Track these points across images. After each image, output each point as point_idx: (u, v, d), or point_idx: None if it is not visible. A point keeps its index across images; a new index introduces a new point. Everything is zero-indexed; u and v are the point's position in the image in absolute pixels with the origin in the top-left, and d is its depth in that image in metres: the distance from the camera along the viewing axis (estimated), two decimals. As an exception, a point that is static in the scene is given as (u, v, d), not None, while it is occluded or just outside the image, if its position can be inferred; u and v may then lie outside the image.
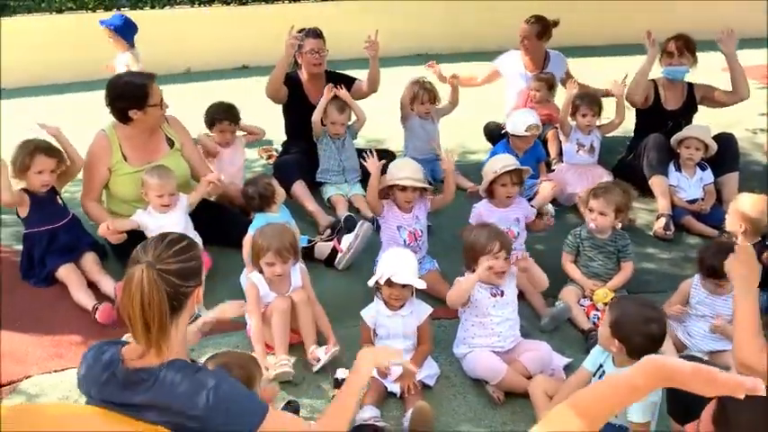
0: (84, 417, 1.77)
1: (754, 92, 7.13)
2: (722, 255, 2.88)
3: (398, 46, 8.79)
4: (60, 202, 3.71)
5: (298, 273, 3.13)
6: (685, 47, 4.54)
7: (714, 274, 2.93)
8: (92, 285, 3.50)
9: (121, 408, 1.73)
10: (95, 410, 1.77)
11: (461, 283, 2.94)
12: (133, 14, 8.18)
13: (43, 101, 7.07)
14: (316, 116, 4.42)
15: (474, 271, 2.92)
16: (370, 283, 2.95)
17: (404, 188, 3.47)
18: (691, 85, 4.75)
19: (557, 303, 3.38)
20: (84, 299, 3.38)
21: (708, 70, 7.73)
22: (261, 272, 3.01)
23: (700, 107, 4.80)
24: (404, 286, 2.87)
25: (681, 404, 2.19)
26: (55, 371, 2.98)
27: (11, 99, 7.05)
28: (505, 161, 3.61)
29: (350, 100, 4.48)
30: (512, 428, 2.67)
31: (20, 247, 3.72)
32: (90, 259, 3.60)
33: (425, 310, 2.97)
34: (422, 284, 2.88)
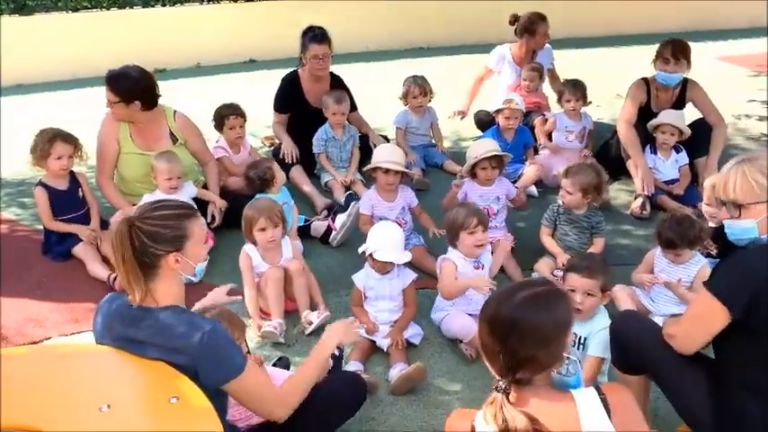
0: (93, 352, 2.08)
1: (743, 79, 7.39)
2: (677, 227, 3.17)
3: (398, 39, 9.08)
4: (80, 194, 3.96)
5: (289, 245, 3.42)
6: (681, 53, 4.48)
7: (671, 245, 3.18)
8: (105, 260, 3.80)
9: (128, 344, 2.00)
10: (104, 347, 2.06)
11: (458, 283, 3.16)
12: (144, 12, 8.57)
13: (60, 95, 7.42)
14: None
15: (456, 246, 3.21)
16: (360, 250, 3.24)
17: (386, 171, 3.74)
18: (685, 84, 4.68)
19: (532, 275, 3.64)
20: (100, 271, 3.69)
21: (704, 58, 8.00)
22: (254, 243, 3.31)
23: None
24: (386, 263, 3.16)
25: (625, 354, 2.44)
26: (72, 333, 3.31)
27: (29, 95, 7.41)
28: (487, 146, 3.88)
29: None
30: (482, 381, 2.95)
31: (39, 227, 4.07)
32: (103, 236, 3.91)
33: (410, 275, 3.26)
34: (403, 259, 3.17)
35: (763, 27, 9.50)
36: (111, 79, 3.93)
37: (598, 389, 1.67)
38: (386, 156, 3.79)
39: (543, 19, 5.39)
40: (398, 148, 3.98)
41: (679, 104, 4.68)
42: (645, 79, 4.72)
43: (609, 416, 1.62)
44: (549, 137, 4.93)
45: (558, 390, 1.73)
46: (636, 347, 2.38)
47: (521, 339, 1.65)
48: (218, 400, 2.00)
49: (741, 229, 2.13)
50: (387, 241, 3.12)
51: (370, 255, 3.13)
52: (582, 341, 2.73)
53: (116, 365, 2.01)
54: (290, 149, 4.74)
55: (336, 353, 2.87)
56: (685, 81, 4.66)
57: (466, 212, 3.21)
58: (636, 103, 4.67)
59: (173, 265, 2.03)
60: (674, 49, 4.47)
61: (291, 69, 5.01)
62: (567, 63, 6.38)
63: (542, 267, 3.65)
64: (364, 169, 3.97)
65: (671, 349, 2.22)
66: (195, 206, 2.54)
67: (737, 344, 2.09)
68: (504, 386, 1.66)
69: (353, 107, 4.96)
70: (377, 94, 5.89)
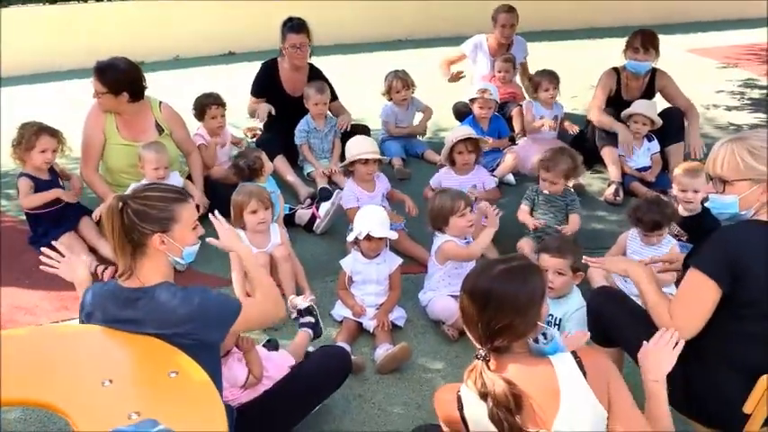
0: (91, 331, 2.15)
1: (712, 71, 7.63)
2: (656, 208, 3.32)
3: (378, 32, 9.18)
4: (62, 184, 3.99)
5: (277, 231, 3.52)
6: (650, 43, 4.68)
7: (657, 226, 3.32)
8: (92, 250, 3.86)
9: (123, 324, 2.09)
10: (98, 327, 2.14)
11: (475, 245, 3.30)
12: (123, 4, 8.55)
13: (38, 88, 7.38)
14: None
15: (444, 231, 3.34)
16: (350, 238, 3.35)
17: (366, 162, 3.85)
18: (654, 74, 4.89)
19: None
20: (87, 261, 3.74)
21: (674, 50, 8.19)
22: (243, 228, 3.40)
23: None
24: (380, 239, 3.27)
25: (599, 327, 2.57)
26: (62, 320, 3.36)
27: (6, 87, 7.36)
28: (463, 131, 4.00)
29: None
30: (463, 359, 3.08)
31: (24, 217, 4.08)
32: (87, 225, 3.94)
33: (396, 260, 3.38)
34: (394, 235, 3.32)
35: (731, 20, 9.81)
36: (100, 70, 3.97)
37: (574, 353, 1.80)
38: (360, 148, 3.91)
39: (507, 10, 5.51)
40: (368, 137, 4.10)
41: (649, 93, 4.87)
42: (615, 69, 4.92)
43: (585, 377, 1.75)
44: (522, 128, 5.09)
45: (537, 356, 1.86)
46: (610, 321, 2.51)
47: (497, 308, 1.78)
48: (215, 379, 2.10)
49: (723, 203, 2.23)
50: (376, 221, 3.24)
51: (365, 238, 3.23)
52: (557, 322, 2.87)
53: (115, 343, 2.09)
54: (265, 109, 4.82)
55: (311, 320, 3.01)
56: (654, 71, 4.85)
57: (452, 197, 3.32)
58: (606, 90, 4.88)
59: (158, 245, 2.12)
60: (644, 38, 4.68)
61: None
62: (543, 55, 6.52)
63: (524, 246, 3.79)
64: (341, 165, 4.09)
65: (643, 324, 2.31)
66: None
67: (718, 318, 2.16)
68: (483, 354, 1.79)
69: (334, 97, 5.05)
70: (356, 87, 5.99)
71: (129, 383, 1.94)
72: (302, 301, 3.34)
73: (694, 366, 2.22)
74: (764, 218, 2.16)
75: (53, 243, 3.74)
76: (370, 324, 3.25)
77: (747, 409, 2.09)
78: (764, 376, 2.04)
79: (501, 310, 1.77)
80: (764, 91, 6.77)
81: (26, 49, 7.83)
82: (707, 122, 5.93)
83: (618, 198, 4.51)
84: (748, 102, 6.48)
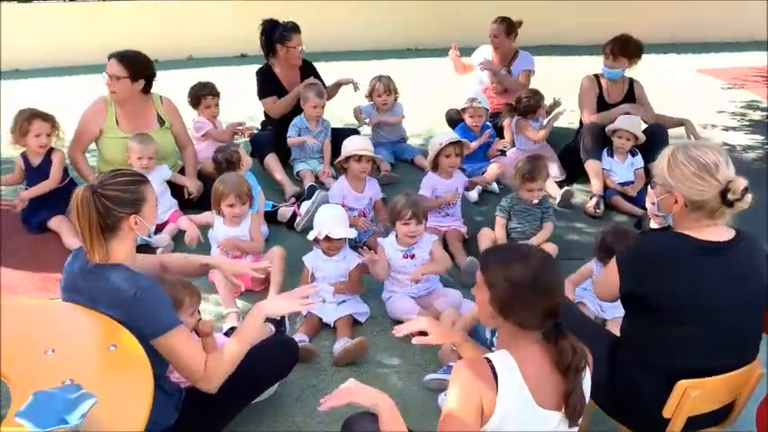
0: (55, 306, 2.29)
1: (717, 91, 7.61)
2: (615, 238, 3.32)
3: (389, 40, 9.31)
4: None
5: (248, 221, 3.65)
6: (619, 51, 4.85)
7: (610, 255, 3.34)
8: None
9: (79, 294, 2.21)
10: (65, 304, 2.28)
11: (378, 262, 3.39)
12: (140, 4, 8.78)
13: (54, 81, 7.64)
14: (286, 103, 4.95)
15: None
16: (310, 237, 3.45)
17: (359, 159, 3.96)
18: (632, 81, 5.07)
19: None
20: (75, 243, 3.90)
21: (684, 69, 8.22)
22: (221, 214, 3.58)
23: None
24: (339, 238, 3.37)
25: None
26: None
27: (25, 79, 7.64)
28: (449, 135, 4.14)
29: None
30: (419, 358, 3.18)
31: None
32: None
33: (355, 259, 3.47)
34: (353, 234, 3.42)
35: (745, 41, 9.76)
36: (121, 55, 4.13)
37: None
38: (357, 145, 4.06)
39: (495, 21, 5.59)
40: (364, 137, 4.22)
41: (630, 98, 5.04)
42: (595, 75, 5.12)
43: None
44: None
45: None
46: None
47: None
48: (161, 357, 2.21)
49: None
50: (335, 221, 3.34)
51: (324, 238, 3.34)
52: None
53: (64, 315, 2.23)
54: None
55: (282, 329, 3.09)
56: (632, 80, 5.07)
57: (404, 203, 3.37)
58: (591, 93, 5.07)
59: (132, 226, 2.26)
60: (613, 46, 4.90)
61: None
62: (552, 69, 6.58)
63: (484, 240, 3.87)
64: (336, 161, 4.22)
65: (581, 331, 2.41)
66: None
67: (639, 323, 2.28)
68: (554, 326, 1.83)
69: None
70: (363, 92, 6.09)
71: (69, 353, 2.06)
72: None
73: (618, 370, 2.30)
74: (688, 232, 2.21)
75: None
76: (330, 318, 3.35)
77: (666, 413, 2.16)
78: (681, 381, 2.10)
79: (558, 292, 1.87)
80: (765, 113, 6.75)
81: (44, 44, 8.12)
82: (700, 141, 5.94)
83: (598, 210, 4.56)
84: (747, 123, 6.47)
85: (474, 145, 4.63)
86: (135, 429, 1.74)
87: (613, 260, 2.33)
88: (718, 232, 2.20)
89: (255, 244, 3.67)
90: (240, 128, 5.00)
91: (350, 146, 4.07)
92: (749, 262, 2.18)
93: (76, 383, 1.76)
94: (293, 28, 5.04)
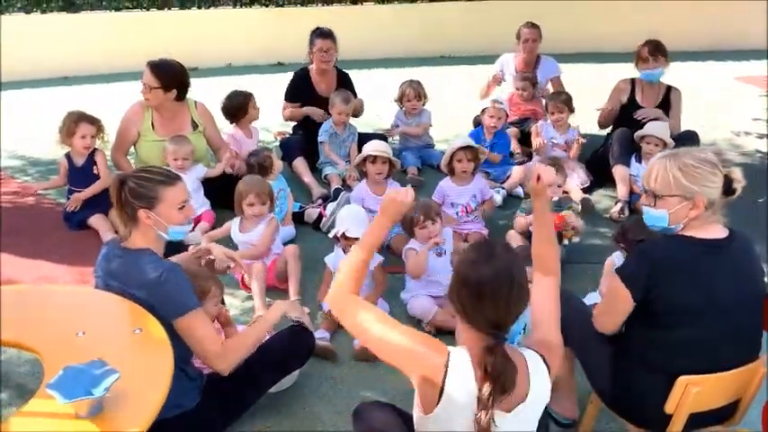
0: (87, 293, 2.45)
1: (753, 99, 7.51)
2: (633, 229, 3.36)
3: (423, 48, 9.44)
4: (95, 171, 4.39)
5: (264, 224, 3.77)
6: (657, 50, 4.91)
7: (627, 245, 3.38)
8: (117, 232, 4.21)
9: (110, 277, 2.38)
10: (96, 290, 2.45)
11: (417, 257, 3.46)
12: (181, 13, 9.12)
13: (100, 88, 7.97)
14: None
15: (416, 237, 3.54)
16: (331, 235, 3.57)
17: (374, 160, 4.07)
18: (669, 89, 5.08)
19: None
20: None
21: (722, 78, 8.15)
22: (242, 215, 3.74)
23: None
24: (356, 238, 3.47)
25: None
26: (78, 291, 3.72)
27: (73, 86, 7.99)
28: (462, 140, 4.22)
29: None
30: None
31: (63, 201, 4.54)
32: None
33: (377, 258, 3.55)
34: None
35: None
36: (155, 66, 4.32)
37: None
38: (372, 146, 4.18)
39: (528, 26, 5.67)
40: (382, 141, 4.34)
41: (665, 104, 5.03)
42: (632, 79, 5.12)
43: (548, 373, 1.87)
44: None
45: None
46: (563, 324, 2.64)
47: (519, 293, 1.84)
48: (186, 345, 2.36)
49: (654, 217, 2.33)
50: (355, 220, 3.44)
51: (342, 236, 3.45)
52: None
53: (95, 300, 2.40)
54: (313, 110, 5.25)
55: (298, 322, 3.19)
56: (669, 88, 5.05)
57: (414, 210, 3.45)
58: (619, 94, 5.14)
59: (144, 219, 2.42)
60: (650, 48, 4.91)
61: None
62: (583, 76, 6.58)
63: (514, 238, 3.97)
64: (353, 163, 4.34)
65: (587, 328, 2.46)
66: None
67: (640, 325, 2.30)
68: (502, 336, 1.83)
69: (354, 95, 5.35)
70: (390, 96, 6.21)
71: (98, 335, 2.22)
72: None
73: (622, 368, 2.35)
74: (690, 233, 2.24)
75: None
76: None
77: (668, 409, 2.19)
78: (682, 377, 2.14)
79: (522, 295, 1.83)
80: (802, 121, 6.64)
81: (91, 52, 8.48)
82: (734, 148, 5.89)
83: (622, 216, 4.57)
84: (782, 131, 6.38)
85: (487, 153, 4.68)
86: (153, 403, 1.87)
87: (613, 285, 2.30)
88: (717, 230, 2.23)
89: (253, 250, 3.72)
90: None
91: (366, 148, 4.21)
92: (745, 260, 2.21)
93: (100, 360, 1.91)
94: (319, 33, 5.24)
